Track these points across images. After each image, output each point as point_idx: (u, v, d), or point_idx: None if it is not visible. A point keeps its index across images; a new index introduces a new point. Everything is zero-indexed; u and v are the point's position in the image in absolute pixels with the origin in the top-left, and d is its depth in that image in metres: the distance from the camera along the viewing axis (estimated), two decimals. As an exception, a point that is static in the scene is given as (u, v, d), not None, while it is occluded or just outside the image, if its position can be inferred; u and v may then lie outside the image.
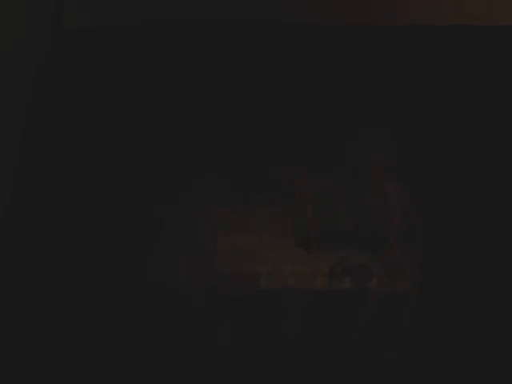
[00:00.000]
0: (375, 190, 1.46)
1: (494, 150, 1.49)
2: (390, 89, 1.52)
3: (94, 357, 1.37)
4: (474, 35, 1.49)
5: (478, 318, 1.38)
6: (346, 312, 1.38)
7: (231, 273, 1.41)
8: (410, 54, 1.51)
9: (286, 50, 1.51)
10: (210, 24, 1.43)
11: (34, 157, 1.45)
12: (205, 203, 1.47)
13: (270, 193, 1.48)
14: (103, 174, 1.48)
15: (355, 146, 1.51)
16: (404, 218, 1.43)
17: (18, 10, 1.44)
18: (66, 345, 1.38)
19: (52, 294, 1.41)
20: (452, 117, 1.51)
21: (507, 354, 1.35)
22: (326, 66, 1.52)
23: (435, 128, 1.51)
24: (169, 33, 1.47)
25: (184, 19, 1.41)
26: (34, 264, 1.43)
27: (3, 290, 1.39)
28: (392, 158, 1.49)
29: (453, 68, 1.52)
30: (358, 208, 1.45)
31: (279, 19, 1.48)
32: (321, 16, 1.47)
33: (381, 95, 1.52)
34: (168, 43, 1.48)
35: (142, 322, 1.39)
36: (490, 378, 1.34)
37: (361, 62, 1.51)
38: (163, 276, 1.42)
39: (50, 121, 1.47)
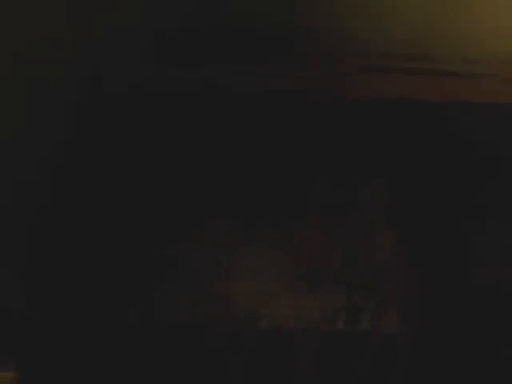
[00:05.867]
0: (371, 238, 1.52)
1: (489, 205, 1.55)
2: (385, 146, 1.59)
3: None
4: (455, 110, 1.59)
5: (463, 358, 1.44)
6: (344, 352, 1.42)
7: (239, 313, 1.43)
8: (402, 124, 1.59)
9: (301, 116, 1.58)
10: (225, 91, 1.49)
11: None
12: (215, 245, 1.50)
13: (277, 238, 1.53)
14: (121, 216, 1.51)
15: (354, 197, 1.57)
16: (396, 265, 1.50)
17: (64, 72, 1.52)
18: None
19: (67, 332, 1.42)
20: (443, 171, 1.57)
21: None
22: (329, 132, 1.60)
23: (428, 181, 1.57)
24: (192, 99, 1.53)
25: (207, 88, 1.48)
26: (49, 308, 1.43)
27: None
28: (387, 209, 1.55)
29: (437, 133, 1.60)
30: (354, 254, 1.51)
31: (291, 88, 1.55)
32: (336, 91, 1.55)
33: (377, 151, 1.58)
34: (192, 106, 1.55)
35: (154, 360, 1.40)
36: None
37: (357, 127, 1.59)
38: (174, 315, 1.42)
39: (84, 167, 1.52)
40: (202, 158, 1.58)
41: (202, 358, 1.40)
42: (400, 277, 1.49)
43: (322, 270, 1.49)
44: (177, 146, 1.57)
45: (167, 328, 1.41)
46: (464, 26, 1.52)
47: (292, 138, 1.58)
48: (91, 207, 1.52)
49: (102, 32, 1.48)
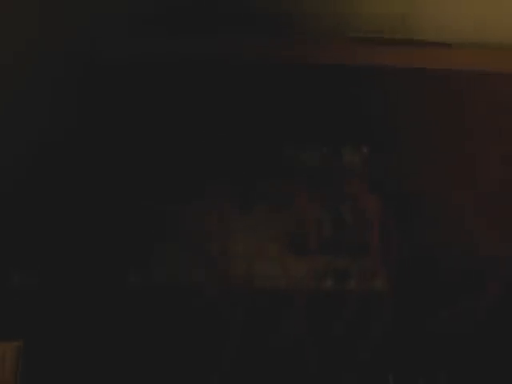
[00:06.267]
0: (357, 203, 1.58)
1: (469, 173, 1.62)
2: (368, 113, 1.64)
3: (103, 353, 1.41)
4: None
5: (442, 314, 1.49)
6: (330, 309, 1.48)
7: (234, 274, 1.48)
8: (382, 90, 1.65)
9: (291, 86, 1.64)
10: (207, 62, 1.52)
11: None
12: (212, 208, 1.54)
13: (270, 203, 1.57)
14: (121, 178, 1.55)
15: (340, 164, 1.62)
16: (381, 228, 1.55)
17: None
18: (78, 344, 1.42)
19: (64, 296, 1.44)
20: (426, 137, 1.62)
21: (471, 349, 1.48)
22: (317, 99, 1.65)
23: (411, 147, 1.62)
24: (183, 69, 1.59)
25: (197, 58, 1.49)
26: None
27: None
28: (372, 175, 1.60)
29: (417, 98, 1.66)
30: (341, 219, 1.56)
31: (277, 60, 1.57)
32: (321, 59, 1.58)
33: (360, 118, 1.63)
34: (184, 77, 1.61)
35: (153, 321, 1.44)
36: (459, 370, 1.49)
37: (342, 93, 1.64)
38: (173, 277, 1.46)
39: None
40: (201, 122, 1.62)
41: (199, 317, 1.45)
42: (385, 238, 1.53)
43: (311, 232, 1.53)
44: (176, 108, 1.60)
45: (166, 289, 1.44)
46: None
47: (281, 105, 1.63)
48: (92, 169, 1.54)
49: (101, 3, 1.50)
